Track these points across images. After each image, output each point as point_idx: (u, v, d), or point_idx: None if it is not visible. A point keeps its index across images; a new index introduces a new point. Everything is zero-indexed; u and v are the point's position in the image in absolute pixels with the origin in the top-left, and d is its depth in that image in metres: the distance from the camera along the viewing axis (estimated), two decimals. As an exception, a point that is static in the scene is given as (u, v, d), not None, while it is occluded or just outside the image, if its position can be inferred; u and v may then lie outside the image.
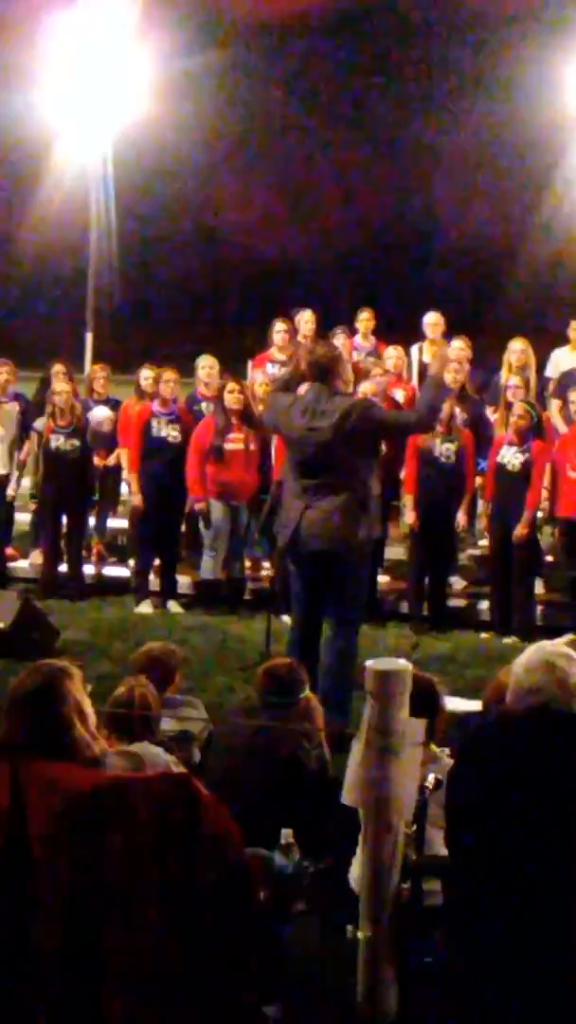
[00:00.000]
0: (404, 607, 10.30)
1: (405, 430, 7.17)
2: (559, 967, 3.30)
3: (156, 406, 10.59)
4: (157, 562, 10.71)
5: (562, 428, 10.47)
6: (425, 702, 4.24)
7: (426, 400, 7.29)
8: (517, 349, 10.83)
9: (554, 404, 10.75)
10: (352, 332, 12.13)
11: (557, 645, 3.65)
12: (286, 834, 4.32)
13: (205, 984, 3.22)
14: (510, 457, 9.78)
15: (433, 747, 4.56)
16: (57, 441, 10.82)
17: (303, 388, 7.33)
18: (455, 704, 6.56)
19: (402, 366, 11.37)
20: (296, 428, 7.11)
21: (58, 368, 11.48)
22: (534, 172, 25.50)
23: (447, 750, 4.58)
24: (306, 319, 12.29)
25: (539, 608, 10.10)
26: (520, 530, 9.66)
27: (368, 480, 7.10)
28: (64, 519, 10.96)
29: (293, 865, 4.28)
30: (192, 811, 3.25)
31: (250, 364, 12.03)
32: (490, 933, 3.37)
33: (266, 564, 10.73)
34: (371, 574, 9.57)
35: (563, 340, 11.40)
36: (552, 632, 9.36)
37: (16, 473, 11.31)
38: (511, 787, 3.38)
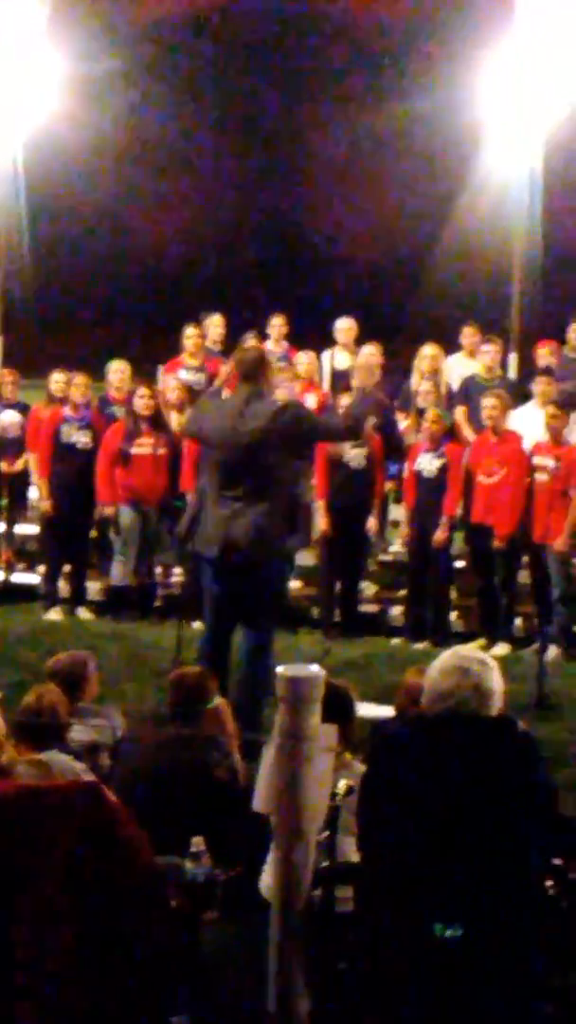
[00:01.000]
0: (315, 612, 10.31)
1: (333, 437, 7.07)
2: (473, 970, 3.30)
3: (67, 411, 10.49)
4: (67, 568, 10.61)
5: (469, 433, 10.51)
6: (337, 708, 4.22)
7: (353, 411, 7.29)
8: (428, 355, 10.89)
9: (459, 411, 10.79)
10: (263, 338, 12.12)
11: (472, 650, 3.67)
12: (196, 842, 4.28)
13: (116, 993, 3.18)
14: (426, 463, 9.85)
15: (345, 754, 4.55)
16: (-38, 446, 10.68)
17: (226, 393, 7.25)
18: (366, 710, 6.56)
19: (313, 371, 11.38)
20: (222, 429, 6.93)
21: (-37, 372, 11.33)
22: (445, 177, 25.70)
23: (359, 756, 4.58)
24: (215, 323, 12.27)
25: (452, 614, 10.18)
26: (440, 534, 9.73)
27: (296, 489, 6.96)
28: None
29: (204, 873, 4.24)
30: (102, 819, 3.22)
31: (160, 369, 11.96)
32: (402, 938, 3.36)
33: (177, 570, 10.67)
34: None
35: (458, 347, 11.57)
36: (464, 638, 9.48)
37: None
38: (425, 792, 3.38)
